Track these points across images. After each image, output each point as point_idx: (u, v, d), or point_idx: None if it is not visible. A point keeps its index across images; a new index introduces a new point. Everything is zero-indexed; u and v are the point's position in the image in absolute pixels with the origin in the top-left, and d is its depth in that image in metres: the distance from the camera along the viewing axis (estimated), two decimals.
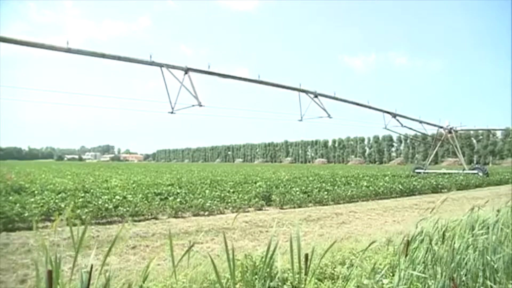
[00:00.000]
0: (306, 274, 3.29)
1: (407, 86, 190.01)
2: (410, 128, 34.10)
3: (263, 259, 3.87)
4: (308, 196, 15.67)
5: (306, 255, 3.28)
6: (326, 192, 16.50)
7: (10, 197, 12.03)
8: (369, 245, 3.65)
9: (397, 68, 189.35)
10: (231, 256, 2.99)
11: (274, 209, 13.97)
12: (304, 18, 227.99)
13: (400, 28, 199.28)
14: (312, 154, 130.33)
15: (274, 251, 3.37)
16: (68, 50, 13.64)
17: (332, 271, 4.87)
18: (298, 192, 15.92)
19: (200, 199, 12.99)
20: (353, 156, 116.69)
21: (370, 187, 18.86)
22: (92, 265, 2.66)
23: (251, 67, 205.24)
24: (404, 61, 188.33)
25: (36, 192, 14.22)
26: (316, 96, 22.58)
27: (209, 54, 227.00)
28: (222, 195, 14.46)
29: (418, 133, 41.00)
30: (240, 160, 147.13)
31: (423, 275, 3.49)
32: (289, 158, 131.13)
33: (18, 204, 10.47)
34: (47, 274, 2.51)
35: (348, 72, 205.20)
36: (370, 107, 27.87)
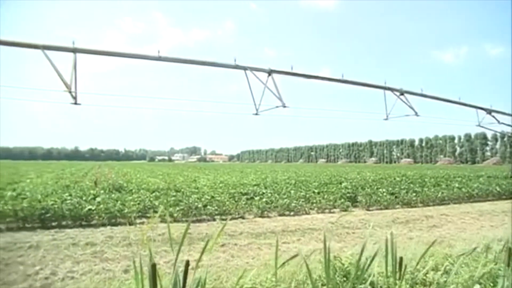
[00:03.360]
0: (400, 279, 3.16)
1: (505, 79, 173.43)
2: (508, 125, 31.02)
3: (353, 261, 3.80)
4: (396, 197, 15.17)
5: (401, 259, 3.15)
6: (414, 194, 15.89)
7: (112, 195, 13.14)
8: (472, 251, 3.42)
9: (493, 60, 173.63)
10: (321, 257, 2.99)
11: (360, 210, 13.67)
12: (388, 13, 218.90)
13: (498, 16, 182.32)
14: (398, 154, 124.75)
15: (361, 253, 3.30)
16: (159, 58, 14.46)
17: (424, 277, 4.63)
18: (384, 193, 15.47)
19: (285, 199, 13.12)
20: (442, 156, 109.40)
21: (463, 189, 17.74)
22: (188, 261, 2.79)
23: (334, 66, 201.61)
24: (501, 52, 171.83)
25: (133, 190, 15.39)
26: (402, 94, 21.55)
27: (292, 55, 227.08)
28: (307, 195, 14.45)
29: None
30: (323, 160, 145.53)
31: None
32: (373, 158, 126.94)
33: (119, 202, 11.41)
34: (151, 268, 2.68)
35: (437, 67, 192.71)
36: (461, 103, 25.88)
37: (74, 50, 11.25)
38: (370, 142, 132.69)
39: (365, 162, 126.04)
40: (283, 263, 2.98)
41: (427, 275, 4.71)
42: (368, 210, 13.71)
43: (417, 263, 3.24)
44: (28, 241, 8.22)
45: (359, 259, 3.43)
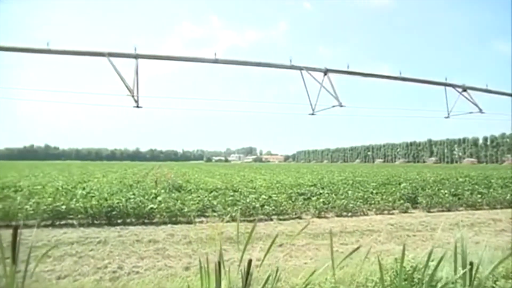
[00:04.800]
0: (471, 285, 3.03)
1: None
2: None
3: (415, 265, 3.69)
4: (459, 199, 14.56)
5: (471, 264, 3.02)
6: (479, 195, 15.12)
7: (172, 194, 13.59)
8: None
9: None
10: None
11: (420, 212, 13.22)
12: (446, 5, 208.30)
13: None
14: (460, 154, 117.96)
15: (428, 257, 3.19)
16: (216, 61, 14.74)
17: (493, 285, 4.37)
18: (446, 195, 14.85)
19: (343, 200, 12.96)
20: (509, 156, 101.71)
21: None
22: (250, 260, 2.83)
23: (392, 64, 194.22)
24: None
25: (192, 190, 15.82)
26: (464, 90, 20.42)
27: (348, 53, 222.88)
28: (365, 196, 14.18)
29: None
30: (380, 160, 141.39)
31: None
32: (433, 158, 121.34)
33: (179, 201, 11.80)
34: (216, 265, 2.75)
35: (503, 60, 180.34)
36: None
37: (136, 56, 11.77)
38: (430, 141, 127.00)
39: (424, 162, 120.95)
40: (339, 264, 2.95)
41: (497, 282, 4.44)
42: (429, 212, 13.22)
43: (491, 271, 3.08)
44: (97, 236, 8.74)
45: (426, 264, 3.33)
